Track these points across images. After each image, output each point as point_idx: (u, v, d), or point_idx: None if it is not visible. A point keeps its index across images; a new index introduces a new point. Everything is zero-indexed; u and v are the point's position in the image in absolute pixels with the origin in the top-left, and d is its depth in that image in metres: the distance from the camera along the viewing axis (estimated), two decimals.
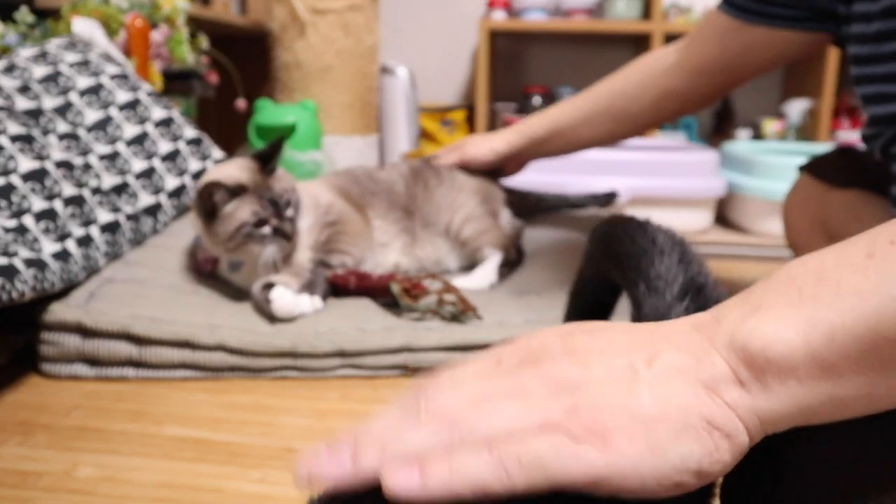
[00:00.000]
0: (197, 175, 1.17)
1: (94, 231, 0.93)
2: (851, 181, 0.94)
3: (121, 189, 1.04)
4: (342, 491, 0.31)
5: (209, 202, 0.88)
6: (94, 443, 0.69)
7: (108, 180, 1.03)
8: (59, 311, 0.82)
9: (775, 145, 2.08)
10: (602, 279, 0.46)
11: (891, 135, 0.72)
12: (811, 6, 0.82)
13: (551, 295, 0.93)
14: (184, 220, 1.15)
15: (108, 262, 0.96)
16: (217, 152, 1.24)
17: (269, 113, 1.61)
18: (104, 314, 0.82)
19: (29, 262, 0.79)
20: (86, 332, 0.82)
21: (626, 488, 0.28)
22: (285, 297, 0.86)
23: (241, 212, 0.88)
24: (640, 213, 0.47)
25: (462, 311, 0.86)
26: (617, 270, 0.43)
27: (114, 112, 1.11)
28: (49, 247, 0.85)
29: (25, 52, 1.08)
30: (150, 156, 1.12)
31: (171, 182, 1.13)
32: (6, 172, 0.85)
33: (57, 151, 0.95)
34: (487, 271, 1.02)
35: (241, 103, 1.82)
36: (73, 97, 1.07)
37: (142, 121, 1.14)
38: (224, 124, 1.91)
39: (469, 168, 1.13)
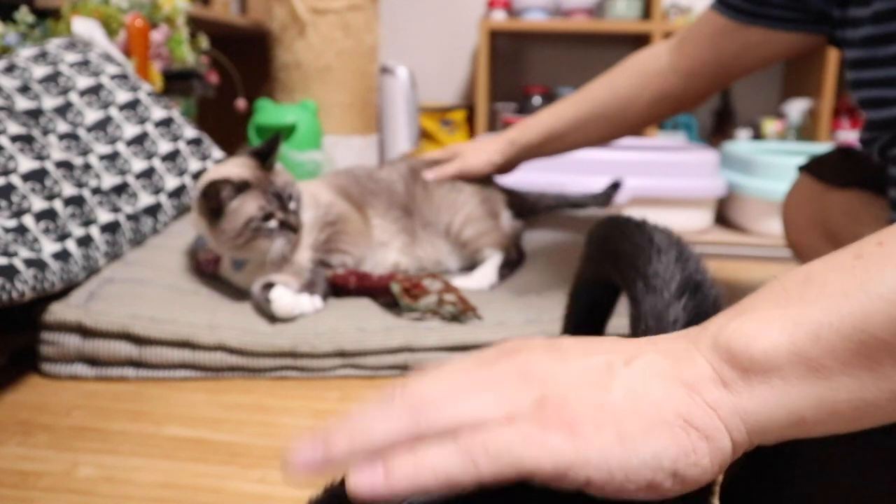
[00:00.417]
0: (197, 175, 1.17)
1: (94, 231, 0.93)
2: (851, 181, 0.94)
3: (121, 189, 1.04)
4: (341, 491, 0.31)
5: (215, 199, 0.88)
6: (94, 443, 0.69)
7: (108, 180, 1.03)
8: (59, 311, 0.82)
9: (775, 145, 2.08)
10: (601, 279, 0.46)
11: (888, 138, 0.72)
12: (806, 8, 0.82)
13: (551, 295, 0.93)
14: (184, 219, 1.15)
15: (108, 262, 0.96)
16: (217, 152, 1.24)
17: (269, 113, 1.61)
18: (104, 314, 0.82)
19: (29, 262, 0.79)
20: (86, 332, 0.82)
21: (595, 481, 0.27)
22: (285, 298, 0.86)
23: (247, 207, 0.88)
24: (640, 213, 0.47)
25: (462, 311, 0.86)
26: (615, 270, 0.43)
27: (114, 112, 1.11)
28: (49, 247, 0.84)
29: (25, 52, 1.08)
30: (150, 156, 1.12)
31: (171, 182, 1.13)
32: (6, 172, 0.85)
33: (57, 151, 0.95)
34: (488, 272, 1.02)
35: (241, 103, 1.82)
36: (73, 97, 1.07)
37: (142, 121, 1.14)
38: (224, 124, 1.91)
39: (468, 178, 1.13)
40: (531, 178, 1.56)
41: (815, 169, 1.02)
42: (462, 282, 0.99)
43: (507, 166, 1.14)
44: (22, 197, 0.85)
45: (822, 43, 0.85)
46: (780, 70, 2.64)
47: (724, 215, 1.84)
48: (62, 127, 1.02)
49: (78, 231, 0.90)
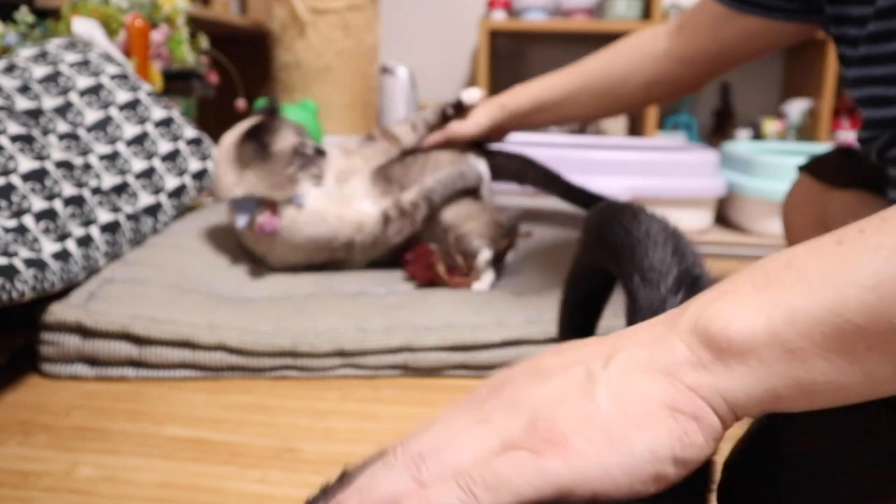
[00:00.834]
0: (197, 175, 1.18)
1: (94, 231, 0.93)
2: (851, 181, 0.94)
3: (121, 189, 1.04)
4: (337, 490, 0.32)
5: (263, 136, 0.92)
6: (94, 443, 0.69)
7: (108, 180, 1.03)
8: (59, 311, 0.82)
9: (775, 145, 2.09)
10: (597, 268, 0.46)
11: (887, 139, 0.72)
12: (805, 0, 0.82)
13: (551, 295, 0.93)
14: (184, 219, 1.15)
15: (108, 262, 0.96)
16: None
17: None
18: (104, 314, 0.82)
19: (29, 262, 0.79)
20: (86, 332, 0.82)
21: (602, 491, 0.27)
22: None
23: (286, 138, 0.94)
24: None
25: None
26: (611, 261, 0.42)
27: (114, 112, 1.11)
28: (49, 247, 0.85)
29: (25, 52, 1.08)
30: (150, 156, 1.12)
31: (171, 182, 1.13)
32: (6, 172, 0.85)
33: (57, 151, 0.95)
34: (485, 274, 1.02)
35: (241, 103, 1.82)
36: (73, 97, 1.07)
37: (142, 121, 1.14)
38: (224, 124, 1.91)
39: (453, 143, 1.13)
40: None
41: (815, 169, 1.02)
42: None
43: (496, 131, 1.13)
44: (22, 197, 0.85)
45: (816, 30, 0.85)
46: (780, 70, 2.64)
47: (724, 215, 1.84)
48: (62, 127, 1.02)
49: (78, 231, 0.90)
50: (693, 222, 1.75)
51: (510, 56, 2.71)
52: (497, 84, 2.61)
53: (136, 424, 0.72)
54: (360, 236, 1.00)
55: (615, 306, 0.51)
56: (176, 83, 1.51)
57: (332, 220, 0.99)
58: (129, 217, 1.02)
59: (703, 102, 2.66)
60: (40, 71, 1.06)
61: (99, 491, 0.61)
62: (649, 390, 0.28)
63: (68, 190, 0.92)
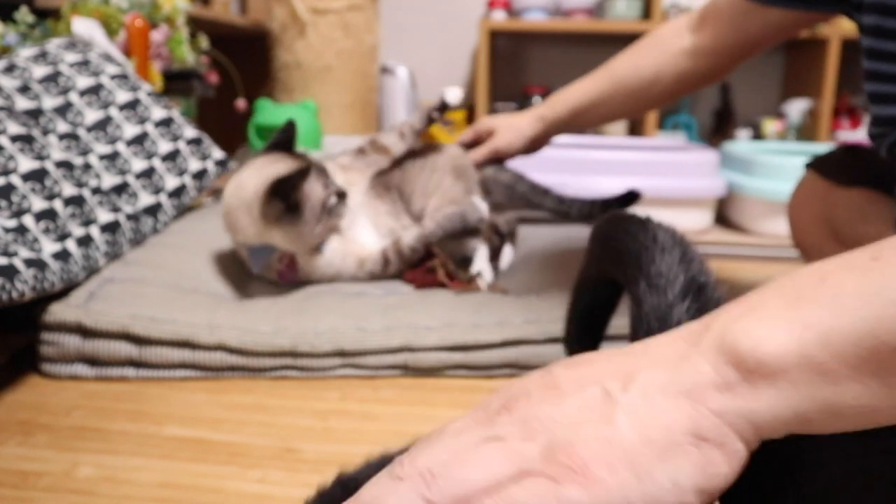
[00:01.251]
0: (197, 175, 1.17)
1: (94, 231, 0.93)
2: (856, 179, 0.94)
3: (121, 189, 1.04)
4: (333, 492, 0.31)
5: (290, 194, 0.87)
6: (94, 443, 0.69)
7: (108, 180, 1.03)
8: (59, 311, 0.82)
9: (775, 145, 2.08)
10: (604, 277, 0.46)
11: (894, 137, 0.72)
12: None
13: (551, 295, 0.93)
14: (184, 219, 1.15)
15: (108, 261, 0.96)
16: (217, 152, 1.24)
17: (269, 113, 1.61)
18: (104, 314, 0.82)
19: (29, 262, 0.79)
20: (86, 332, 0.82)
21: None
22: None
23: (314, 192, 0.89)
24: (640, 212, 0.47)
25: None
26: (618, 269, 0.42)
27: (114, 112, 1.11)
28: (49, 247, 0.84)
29: (25, 52, 1.08)
30: (150, 156, 1.12)
31: (171, 182, 1.13)
32: (6, 172, 0.85)
33: (57, 151, 0.95)
34: (485, 273, 1.02)
35: (241, 103, 1.82)
36: (73, 97, 1.07)
37: (142, 121, 1.14)
38: (224, 124, 1.91)
39: (499, 159, 1.16)
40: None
41: (820, 167, 1.02)
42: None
43: (537, 142, 1.16)
44: (22, 197, 0.85)
45: (837, 17, 0.85)
46: (780, 70, 2.64)
47: (724, 215, 1.84)
48: (62, 127, 1.02)
49: (78, 231, 0.90)
50: (693, 222, 1.75)
51: (510, 56, 2.71)
52: (497, 84, 2.61)
53: (136, 424, 0.72)
54: (361, 273, 1.00)
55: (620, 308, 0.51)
56: (176, 83, 1.51)
57: (338, 259, 0.98)
58: (129, 217, 1.02)
59: (703, 102, 2.66)
60: (40, 71, 1.06)
61: (99, 491, 0.61)
62: (673, 416, 0.27)
63: (68, 190, 0.92)
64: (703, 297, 0.37)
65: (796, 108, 2.40)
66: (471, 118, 2.54)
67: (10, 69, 1.02)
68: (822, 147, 1.63)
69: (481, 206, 1.05)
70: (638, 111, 1.10)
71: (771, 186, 1.64)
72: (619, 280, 0.42)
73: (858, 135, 2.37)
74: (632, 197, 1.29)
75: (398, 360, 0.84)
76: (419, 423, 0.73)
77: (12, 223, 0.82)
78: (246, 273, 1.01)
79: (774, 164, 1.68)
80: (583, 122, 1.11)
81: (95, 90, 1.10)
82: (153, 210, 1.08)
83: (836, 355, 0.26)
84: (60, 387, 0.81)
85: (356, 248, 1.00)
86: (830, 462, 0.32)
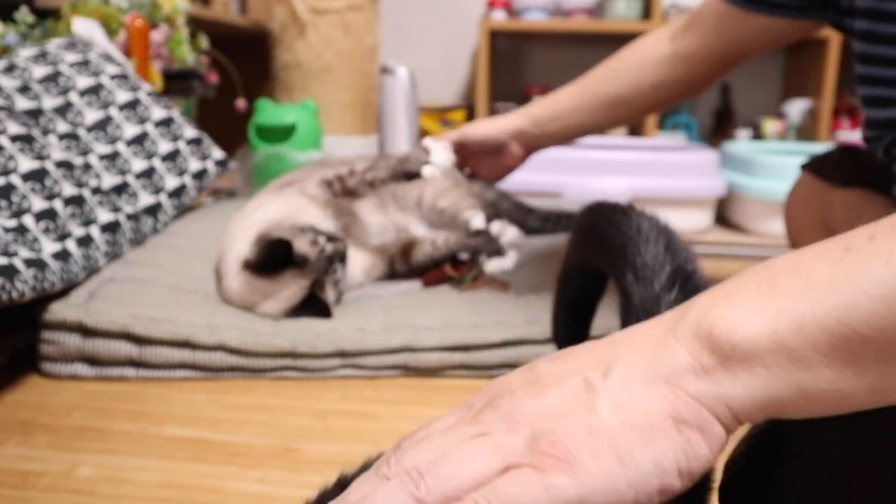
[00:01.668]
0: (197, 175, 1.17)
1: (95, 231, 0.93)
2: (853, 180, 0.94)
3: (121, 189, 1.04)
4: (335, 493, 0.31)
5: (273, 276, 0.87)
6: (94, 443, 0.69)
7: (108, 180, 1.03)
8: (59, 311, 0.82)
9: (775, 145, 2.09)
10: (588, 268, 0.46)
11: (892, 138, 0.72)
12: None
13: (551, 295, 0.93)
14: (184, 219, 1.15)
15: (109, 261, 0.96)
16: (217, 152, 1.24)
17: (269, 113, 1.61)
18: (104, 314, 0.82)
19: (29, 262, 0.79)
20: (86, 331, 0.82)
21: None
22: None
23: (301, 268, 0.87)
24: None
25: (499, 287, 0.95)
26: (603, 260, 0.42)
27: (114, 112, 1.11)
28: (49, 247, 0.84)
29: (25, 52, 1.08)
30: (150, 156, 1.12)
31: (171, 182, 1.13)
32: (6, 172, 0.85)
33: (57, 151, 0.95)
34: (508, 254, 1.05)
35: (241, 103, 1.82)
36: (73, 97, 1.07)
37: (142, 121, 1.14)
38: (224, 124, 1.91)
39: (469, 145, 1.13)
40: (531, 178, 1.56)
41: (817, 167, 1.02)
42: (492, 266, 1.03)
43: (516, 138, 1.12)
44: (22, 197, 0.85)
45: (823, 26, 0.84)
46: (780, 70, 2.64)
47: (724, 215, 1.84)
48: (62, 127, 1.02)
49: (78, 231, 0.90)
50: (693, 222, 1.75)
51: (510, 56, 2.71)
52: (497, 84, 2.61)
53: (136, 424, 0.72)
54: (368, 280, 1.01)
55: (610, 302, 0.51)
56: (176, 83, 1.51)
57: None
58: (130, 217, 1.02)
59: (703, 102, 2.66)
60: (40, 71, 1.06)
61: (99, 491, 0.61)
62: (652, 401, 0.28)
63: (68, 190, 0.92)
64: (690, 285, 0.37)
65: (796, 108, 2.40)
66: (471, 118, 2.54)
67: (10, 69, 1.02)
68: (822, 147, 1.63)
69: (510, 233, 1.06)
70: (618, 119, 1.06)
71: (771, 186, 1.64)
72: (606, 271, 0.42)
73: (858, 135, 2.36)
74: None
75: (398, 360, 0.84)
76: (419, 423, 0.73)
77: (12, 223, 0.82)
78: None
79: (774, 164, 1.68)
80: (561, 126, 1.08)
81: (95, 90, 1.10)
82: (153, 210, 1.08)
83: (808, 342, 0.26)
84: (60, 387, 0.81)
85: (357, 255, 1.00)
86: (816, 441, 0.32)
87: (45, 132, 0.98)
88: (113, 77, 1.14)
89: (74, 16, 1.31)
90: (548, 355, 0.33)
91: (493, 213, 1.13)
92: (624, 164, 1.74)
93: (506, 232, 1.03)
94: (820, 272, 0.27)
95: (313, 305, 0.87)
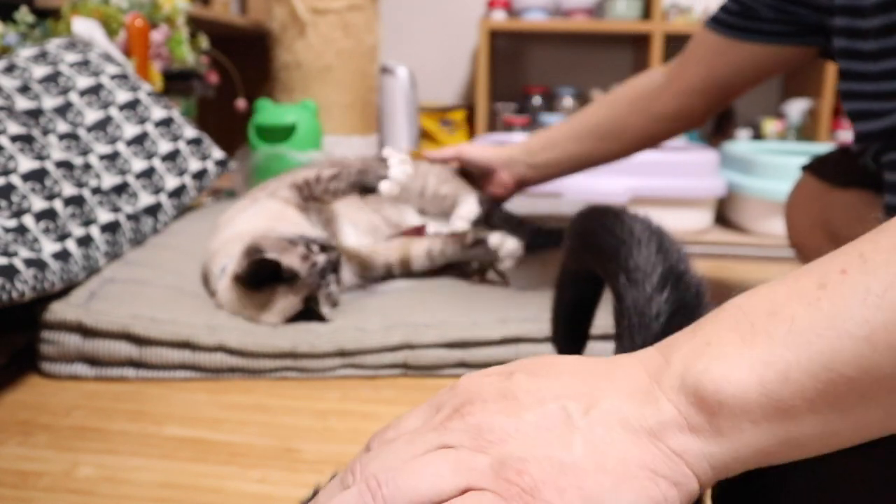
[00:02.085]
0: (197, 175, 1.18)
1: (95, 231, 0.93)
2: (853, 181, 0.94)
3: (121, 189, 1.04)
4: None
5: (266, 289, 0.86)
6: (94, 443, 0.69)
7: (108, 180, 1.03)
8: (59, 311, 0.82)
9: (775, 145, 2.09)
10: (584, 272, 0.46)
11: (879, 146, 0.73)
12: (797, 21, 0.82)
13: (550, 293, 0.93)
14: (184, 219, 1.15)
15: (109, 261, 0.96)
16: (217, 152, 1.24)
17: (269, 113, 1.61)
18: (104, 314, 0.82)
19: (29, 262, 0.79)
20: (86, 331, 0.82)
21: None
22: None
23: (292, 281, 0.86)
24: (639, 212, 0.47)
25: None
26: (597, 263, 0.42)
27: (114, 112, 1.11)
28: (49, 247, 0.85)
29: (25, 52, 1.08)
30: (150, 156, 1.12)
31: (171, 182, 1.13)
32: (6, 172, 0.85)
33: (57, 151, 0.95)
34: (469, 204, 1.09)
35: (241, 103, 1.82)
36: (73, 97, 1.07)
37: (142, 121, 1.14)
38: (224, 124, 1.91)
39: (464, 163, 1.16)
40: None
41: (817, 168, 1.02)
42: (455, 222, 1.08)
43: (508, 165, 1.14)
44: (22, 197, 0.85)
45: (814, 55, 0.85)
46: None
47: (724, 215, 1.84)
48: (62, 127, 1.02)
49: (78, 231, 0.90)
50: (693, 222, 1.75)
51: (510, 56, 2.71)
52: (497, 84, 2.61)
53: (136, 424, 0.72)
54: (364, 281, 1.01)
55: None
56: (176, 83, 1.51)
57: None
58: (130, 217, 1.02)
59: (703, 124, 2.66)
60: (40, 71, 1.06)
61: (99, 491, 0.61)
62: (631, 450, 0.27)
63: (68, 190, 0.92)
64: (681, 285, 0.37)
65: (796, 108, 2.40)
66: (471, 118, 2.54)
67: (10, 69, 1.02)
68: (823, 147, 1.63)
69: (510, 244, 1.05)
70: (612, 154, 1.06)
71: (771, 186, 1.64)
72: (600, 275, 0.43)
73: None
74: None
75: (398, 358, 0.84)
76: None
77: (12, 223, 0.82)
78: None
79: (774, 164, 1.68)
80: (554, 159, 1.09)
81: (95, 90, 1.10)
82: (153, 210, 1.08)
83: (795, 391, 0.26)
84: (60, 387, 0.81)
85: (352, 255, 0.99)
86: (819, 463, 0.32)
87: (45, 132, 0.98)
88: (113, 77, 1.14)
89: (74, 16, 1.31)
90: (527, 362, 0.32)
91: (486, 223, 1.14)
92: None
93: (505, 244, 1.03)
94: (800, 315, 0.27)
95: (310, 312, 0.87)
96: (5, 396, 0.78)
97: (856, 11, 0.69)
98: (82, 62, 1.12)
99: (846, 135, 2.37)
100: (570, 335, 0.52)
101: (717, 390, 0.27)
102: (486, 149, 1.15)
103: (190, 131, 1.20)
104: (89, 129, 1.06)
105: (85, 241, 0.91)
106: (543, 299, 0.92)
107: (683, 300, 0.37)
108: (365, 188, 1.00)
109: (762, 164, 1.71)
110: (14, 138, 0.89)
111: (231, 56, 1.80)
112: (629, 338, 0.37)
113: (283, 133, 1.58)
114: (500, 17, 2.45)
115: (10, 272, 0.75)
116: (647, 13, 2.40)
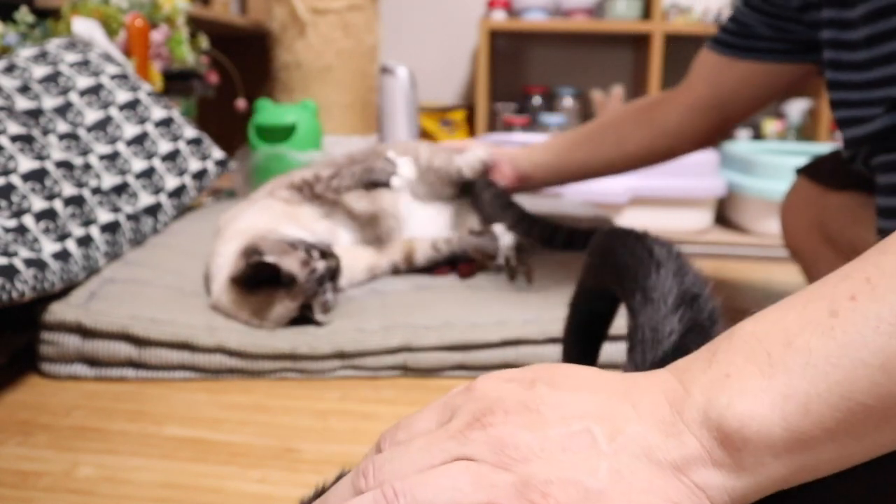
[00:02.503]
0: (197, 175, 1.18)
1: (94, 231, 0.93)
2: (848, 183, 0.94)
3: (121, 189, 1.04)
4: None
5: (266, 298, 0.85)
6: (94, 443, 0.69)
7: (108, 180, 1.03)
8: (59, 311, 0.82)
9: (775, 145, 2.09)
10: (601, 290, 0.47)
11: (866, 151, 0.74)
12: (792, 38, 0.84)
13: (551, 295, 0.93)
14: (184, 219, 1.15)
15: (108, 262, 0.96)
16: (217, 152, 1.24)
17: (269, 113, 1.61)
18: (104, 314, 0.82)
19: (29, 262, 0.79)
20: (85, 332, 0.82)
21: None
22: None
23: (291, 285, 0.85)
24: (640, 213, 0.47)
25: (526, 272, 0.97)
26: (615, 282, 0.43)
27: (114, 112, 1.11)
28: (49, 247, 0.85)
29: (25, 52, 1.08)
30: (150, 156, 1.12)
31: (171, 182, 1.13)
32: (6, 172, 0.85)
33: (57, 151, 0.95)
34: (473, 153, 1.09)
35: (241, 103, 1.82)
36: (73, 97, 1.07)
37: (142, 121, 1.14)
38: (224, 124, 1.91)
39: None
40: None
41: (812, 171, 1.02)
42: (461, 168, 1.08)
43: (509, 163, 1.14)
44: (22, 197, 0.85)
45: (813, 72, 0.87)
46: None
47: (724, 215, 1.84)
48: (62, 127, 1.02)
49: (78, 231, 0.90)
50: (693, 222, 1.75)
51: (510, 56, 2.71)
52: (497, 84, 2.61)
53: (136, 424, 0.72)
54: (369, 278, 1.01)
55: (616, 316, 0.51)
56: (176, 83, 1.51)
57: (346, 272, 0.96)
58: (129, 217, 1.02)
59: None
60: (40, 71, 1.06)
61: (99, 491, 0.61)
62: (655, 482, 0.27)
63: (68, 190, 0.92)
64: (695, 306, 0.38)
65: (796, 108, 2.40)
66: (471, 118, 2.54)
67: (10, 69, 1.02)
68: (823, 147, 1.63)
69: (505, 239, 1.05)
70: (612, 167, 1.07)
71: (771, 186, 1.64)
72: (617, 293, 0.44)
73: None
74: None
75: (397, 360, 0.84)
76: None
77: (12, 223, 0.82)
78: None
79: (774, 164, 1.68)
80: (555, 161, 1.10)
81: (95, 90, 1.10)
82: (153, 210, 1.08)
83: (815, 422, 0.27)
84: (60, 387, 0.81)
85: (352, 256, 0.99)
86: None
87: (45, 132, 0.98)
88: (113, 77, 1.14)
89: (74, 16, 1.31)
90: (545, 370, 0.31)
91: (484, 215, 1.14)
92: None
93: (504, 237, 1.02)
94: (815, 346, 0.27)
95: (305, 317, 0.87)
96: (5, 396, 0.78)
97: (843, 24, 0.70)
98: (82, 62, 1.12)
99: None
100: (580, 352, 0.53)
101: (741, 426, 0.27)
102: (489, 144, 1.16)
103: (190, 131, 1.20)
104: (89, 129, 1.06)
105: (85, 242, 0.91)
106: (543, 301, 0.92)
107: (697, 321, 0.38)
108: (373, 184, 1.00)
109: (762, 164, 1.71)
110: (14, 138, 0.89)
111: (231, 56, 1.80)
112: (641, 353, 0.37)
113: (283, 133, 1.58)
114: (500, 17, 2.45)
115: (10, 272, 0.75)
116: (647, 13, 2.40)
